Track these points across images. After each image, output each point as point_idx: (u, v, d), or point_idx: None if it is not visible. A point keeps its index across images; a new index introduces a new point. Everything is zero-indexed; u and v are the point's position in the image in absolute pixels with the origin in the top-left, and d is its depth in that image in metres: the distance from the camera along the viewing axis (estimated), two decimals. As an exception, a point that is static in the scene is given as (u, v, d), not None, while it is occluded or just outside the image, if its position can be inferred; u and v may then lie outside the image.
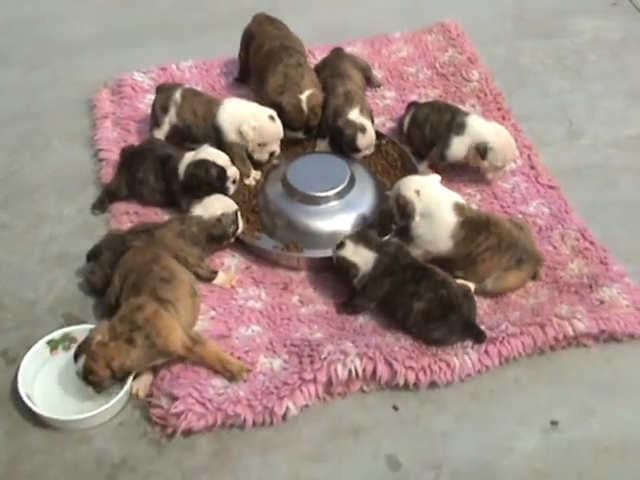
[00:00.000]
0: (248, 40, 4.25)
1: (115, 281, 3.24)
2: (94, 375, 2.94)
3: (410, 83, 4.43)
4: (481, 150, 3.76)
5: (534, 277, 3.45)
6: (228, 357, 3.09)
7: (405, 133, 4.04)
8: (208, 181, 3.56)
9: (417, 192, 3.41)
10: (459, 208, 3.40)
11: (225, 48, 4.60)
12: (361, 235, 3.34)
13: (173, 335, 3.00)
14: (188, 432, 2.98)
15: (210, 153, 3.62)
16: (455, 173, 3.90)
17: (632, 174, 4.04)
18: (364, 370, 3.10)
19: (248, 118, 3.75)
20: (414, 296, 3.20)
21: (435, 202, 3.40)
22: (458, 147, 3.82)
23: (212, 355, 3.06)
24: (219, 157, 3.62)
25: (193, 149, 3.72)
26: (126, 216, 3.71)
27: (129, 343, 2.93)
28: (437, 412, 3.11)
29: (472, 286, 3.37)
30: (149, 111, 4.13)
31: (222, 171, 3.58)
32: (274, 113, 3.79)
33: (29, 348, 3.15)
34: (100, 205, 3.78)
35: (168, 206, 3.74)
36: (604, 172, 4.05)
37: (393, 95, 4.37)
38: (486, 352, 3.19)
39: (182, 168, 3.62)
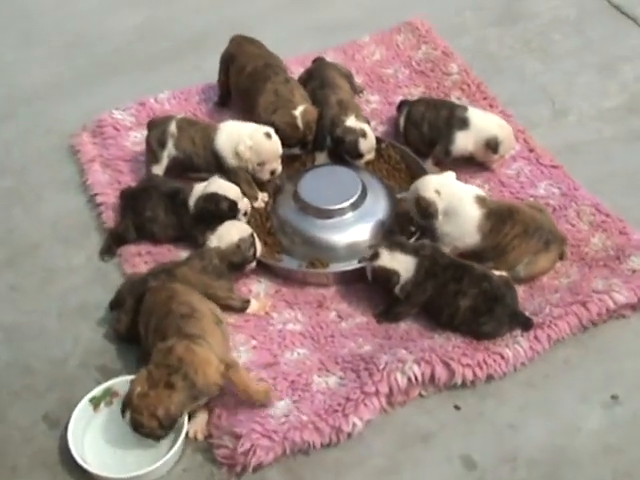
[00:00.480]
0: (228, 62, 4.18)
1: (141, 329, 3.16)
2: (143, 428, 2.84)
3: (391, 84, 4.42)
4: (492, 145, 3.78)
5: (561, 257, 3.47)
6: (254, 386, 2.99)
7: (402, 133, 4.02)
8: (219, 214, 3.48)
9: (437, 192, 3.39)
10: (481, 200, 3.40)
11: (197, 74, 4.53)
12: (393, 242, 3.30)
13: (210, 367, 2.90)
14: (256, 467, 2.89)
15: (220, 186, 3.54)
16: (458, 167, 3.88)
17: (622, 144, 4.11)
18: (423, 374, 3.07)
19: (244, 138, 3.67)
20: (458, 294, 3.18)
21: (457, 198, 3.39)
22: (463, 142, 3.83)
23: (240, 383, 2.95)
24: (230, 190, 3.54)
25: (200, 180, 3.66)
26: (139, 258, 3.59)
27: (169, 388, 2.83)
28: (498, 405, 3.10)
29: (504, 275, 3.36)
30: (136, 148, 4.04)
31: (233, 204, 3.51)
32: (271, 130, 3.72)
33: (71, 409, 3.02)
34: (108, 250, 3.66)
35: (181, 241, 3.65)
36: (596, 146, 4.10)
37: (377, 98, 4.35)
38: (536, 338, 3.19)
39: (192, 201, 3.54)
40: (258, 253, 3.44)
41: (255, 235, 3.44)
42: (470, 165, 3.94)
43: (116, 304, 3.33)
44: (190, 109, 4.29)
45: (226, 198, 3.50)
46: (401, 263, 3.23)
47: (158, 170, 3.81)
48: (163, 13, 5.14)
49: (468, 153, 3.87)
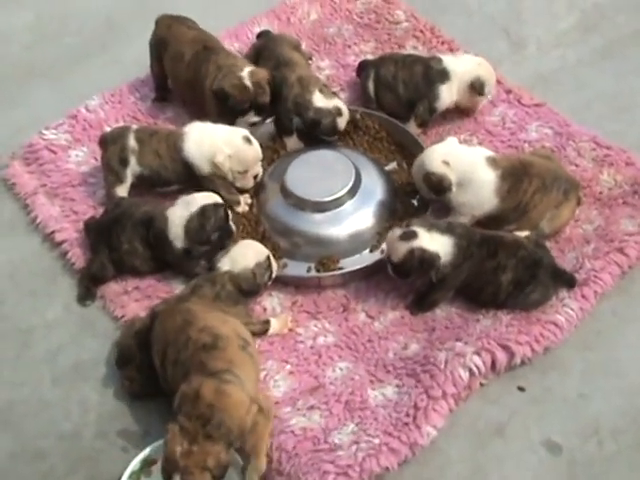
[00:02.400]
0: (159, 48, 3.73)
1: (156, 361, 2.78)
2: None
3: (339, 45, 4.07)
4: (477, 86, 3.54)
5: (578, 203, 3.28)
6: (264, 454, 2.64)
7: (373, 98, 3.70)
8: (219, 226, 3.10)
9: (446, 163, 3.12)
10: (492, 161, 3.17)
11: (119, 69, 4.06)
12: (427, 220, 3.01)
13: (242, 410, 2.56)
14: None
15: (196, 198, 3.14)
16: (438, 123, 3.63)
17: (590, 67, 3.98)
18: (484, 363, 2.85)
19: (220, 146, 3.28)
20: (497, 269, 2.95)
21: (468, 165, 3.15)
22: (447, 94, 3.57)
23: (258, 439, 2.61)
24: (210, 197, 3.16)
25: (171, 193, 3.33)
26: (126, 296, 3.18)
27: (209, 440, 2.48)
28: (562, 376, 2.93)
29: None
30: (82, 169, 3.60)
31: (225, 207, 3.15)
32: (247, 133, 3.36)
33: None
34: (87, 294, 3.21)
35: (165, 270, 3.25)
36: (565, 74, 3.95)
37: (328, 63, 4.00)
38: (583, 296, 3.03)
39: (178, 230, 3.11)
40: (274, 275, 3.09)
41: (271, 257, 3.09)
42: (449, 120, 3.70)
43: (123, 361, 2.92)
44: (128, 112, 3.82)
45: (216, 205, 3.13)
46: (441, 244, 2.93)
47: (122, 191, 3.37)
48: (54, 5, 4.53)
49: (453, 104, 3.60)
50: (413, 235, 2.91)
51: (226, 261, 3.03)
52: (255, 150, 3.34)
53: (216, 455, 2.47)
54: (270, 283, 3.10)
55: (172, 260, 3.17)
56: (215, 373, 2.60)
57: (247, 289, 3.00)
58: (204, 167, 3.31)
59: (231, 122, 3.46)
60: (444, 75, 3.54)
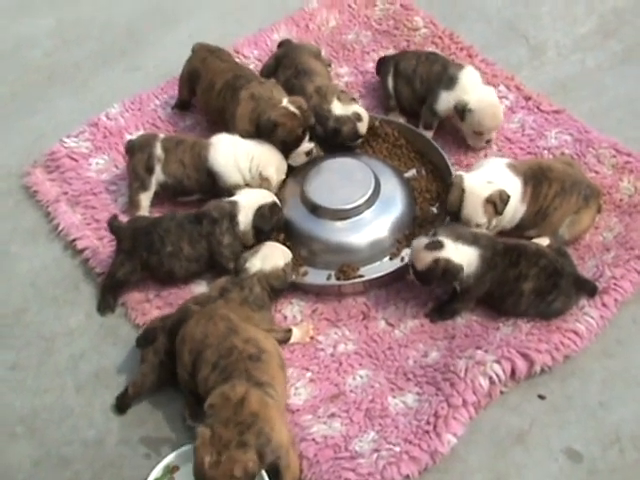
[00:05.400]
0: (193, 79, 3.72)
1: (184, 358, 2.80)
2: None
3: (357, 51, 4.09)
4: (459, 110, 3.51)
5: (599, 210, 3.27)
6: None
7: (392, 93, 3.71)
8: (277, 222, 3.26)
9: (490, 182, 3.08)
10: (513, 167, 3.17)
11: (139, 76, 4.09)
12: (454, 230, 2.99)
13: (282, 428, 2.60)
14: (353, 513, 2.62)
15: (263, 191, 3.33)
16: (458, 130, 3.64)
17: (609, 72, 3.95)
18: (504, 372, 2.85)
19: (266, 161, 3.36)
20: (519, 279, 2.95)
21: (504, 179, 3.11)
22: (446, 102, 3.55)
23: (296, 466, 2.66)
24: (269, 195, 3.31)
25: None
26: (148, 304, 3.20)
27: (242, 447, 2.48)
28: (583, 384, 2.92)
29: (547, 241, 3.15)
30: (102, 177, 3.62)
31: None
32: None
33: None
34: (107, 303, 3.24)
35: (198, 277, 3.29)
36: (584, 79, 3.93)
37: (347, 70, 4.01)
38: (604, 305, 3.02)
39: (248, 216, 3.21)
40: (292, 278, 3.13)
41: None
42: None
43: (146, 341, 2.94)
44: (148, 119, 3.84)
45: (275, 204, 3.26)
46: (465, 255, 2.93)
47: (146, 199, 3.41)
48: (74, 10, 4.57)
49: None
50: (439, 245, 2.91)
51: (256, 261, 3.05)
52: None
53: (245, 463, 2.46)
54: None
55: (219, 250, 3.19)
56: (261, 384, 2.62)
57: (279, 287, 3.05)
58: (232, 177, 3.35)
59: (285, 158, 3.45)
60: (451, 82, 3.52)
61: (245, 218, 3.20)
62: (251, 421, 2.51)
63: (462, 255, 2.91)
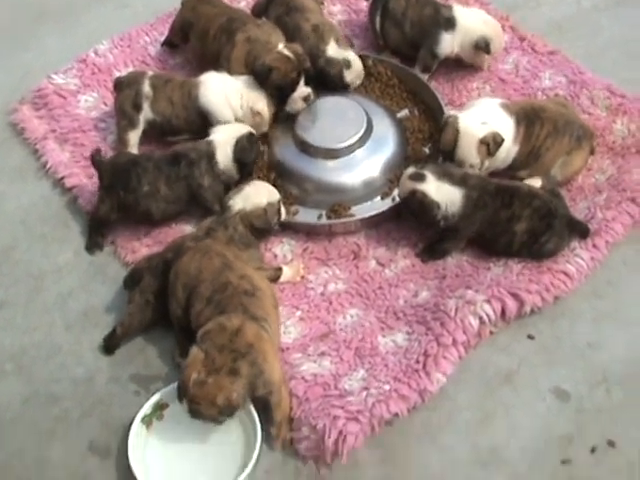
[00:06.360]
0: (186, 29, 3.65)
1: (178, 293, 2.78)
2: (201, 416, 2.52)
3: (350, -13, 4.01)
4: (482, 46, 3.49)
5: (592, 152, 3.25)
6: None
7: (379, 33, 3.66)
8: (256, 154, 3.23)
9: (484, 123, 3.07)
10: (506, 107, 3.14)
11: (127, 13, 4.02)
12: (442, 170, 2.97)
13: (276, 364, 2.61)
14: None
15: (236, 125, 3.28)
16: (450, 70, 3.58)
17: (605, 13, 3.95)
18: (494, 312, 2.85)
19: (255, 96, 3.32)
20: (512, 220, 2.94)
21: (497, 119, 3.09)
22: (449, 44, 3.52)
23: (286, 404, 2.67)
24: (243, 127, 3.26)
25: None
26: (137, 242, 3.17)
27: (232, 374, 2.48)
28: (572, 325, 2.93)
29: (539, 182, 3.13)
30: (92, 114, 3.56)
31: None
32: None
33: (116, 431, 2.71)
34: (95, 241, 3.21)
35: (179, 217, 3.25)
36: (580, 20, 3.91)
37: (341, 8, 3.96)
38: (595, 246, 3.02)
39: (226, 151, 3.16)
40: (282, 218, 3.09)
41: (281, 202, 3.09)
42: (463, 67, 3.65)
43: (131, 282, 2.93)
44: (137, 57, 3.79)
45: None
46: (446, 194, 2.93)
47: (134, 136, 3.36)
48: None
49: (454, 55, 3.57)
50: (421, 178, 2.93)
51: (239, 200, 3.02)
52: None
53: (229, 393, 2.47)
54: (277, 227, 3.12)
55: (201, 190, 3.15)
56: (256, 318, 2.62)
57: (259, 226, 3.01)
58: (224, 113, 3.30)
59: (282, 104, 3.38)
60: (450, 23, 3.50)
61: (224, 155, 3.16)
62: (246, 351, 2.51)
63: (443, 193, 2.92)
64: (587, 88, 3.47)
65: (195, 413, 2.52)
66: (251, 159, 3.19)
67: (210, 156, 3.15)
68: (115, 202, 3.13)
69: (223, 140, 3.17)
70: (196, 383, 2.47)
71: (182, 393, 2.52)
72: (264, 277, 2.86)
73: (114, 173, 3.13)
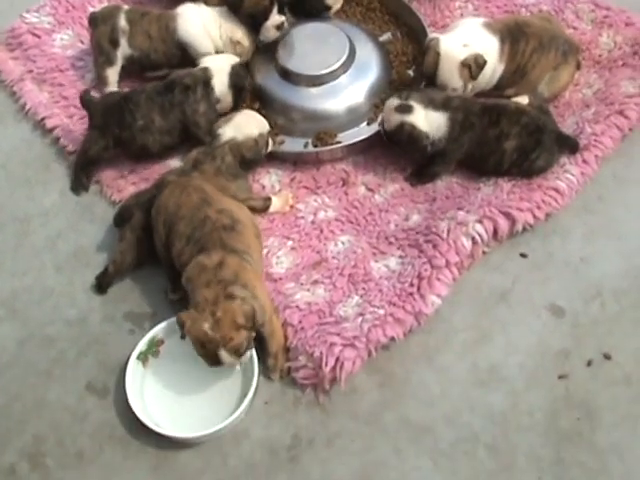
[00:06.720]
0: None
1: (159, 230, 2.75)
2: (242, 347, 2.46)
3: None
4: None
5: (578, 67, 3.21)
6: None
7: None
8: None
9: (465, 45, 3.00)
10: (489, 26, 3.08)
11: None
12: (426, 95, 2.93)
13: (263, 292, 2.60)
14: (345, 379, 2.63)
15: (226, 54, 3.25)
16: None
17: None
18: (487, 231, 2.84)
19: (233, 25, 3.25)
20: (500, 138, 2.91)
21: (480, 39, 3.03)
22: None
23: (280, 333, 2.66)
24: (232, 57, 3.24)
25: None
26: (123, 180, 3.13)
27: (230, 298, 2.44)
28: (563, 241, 2.93)
29: (526, 100, 3.09)
30: (68, 53, 3.49)
31: None
32: None
33: (113, 370, 2.71)
34: (80, 182, 3.17)
35: (170, 151, 3.20)
36: None
37: None
38: (585, 161, 2.99)
39: (222, 77, 3.12)
40: (269, 150, 3.05)
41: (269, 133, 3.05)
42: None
43: (121, 219, 2.91)
44: (115, -10, 3.67)
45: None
46: (433, 121, 2.89)
47: (113, 73, 3.30)
48: None
49: None
50: (409, 109, 2.88)
51: (229, 129, 2.97)
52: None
53: (241, 308, 2.42)
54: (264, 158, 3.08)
55: (195, 117, 3.10)
56: (236, 251, 2.58)
57: (250, 157, 2.97)
58: (204, 44, 3.24)
59: (256, 34, 3.30)
60: None
61: (220, 82, 3.10)
62: (234, 278, 2.48)
63: (430, 121, 2.89)
64: (571, 2, 3.42)
65: (234, 350, 2.45)
66: (246, 85, 3.15)
67: (206, 82, 3.09)
68: (111, 140, 3.09)
69: (219, 67, 3.12)
70: (212, 328, 2.42)
71: (214, 347, 2.44)
72: (244, 208, 2.81)
73: (107, 112, 3.07)
